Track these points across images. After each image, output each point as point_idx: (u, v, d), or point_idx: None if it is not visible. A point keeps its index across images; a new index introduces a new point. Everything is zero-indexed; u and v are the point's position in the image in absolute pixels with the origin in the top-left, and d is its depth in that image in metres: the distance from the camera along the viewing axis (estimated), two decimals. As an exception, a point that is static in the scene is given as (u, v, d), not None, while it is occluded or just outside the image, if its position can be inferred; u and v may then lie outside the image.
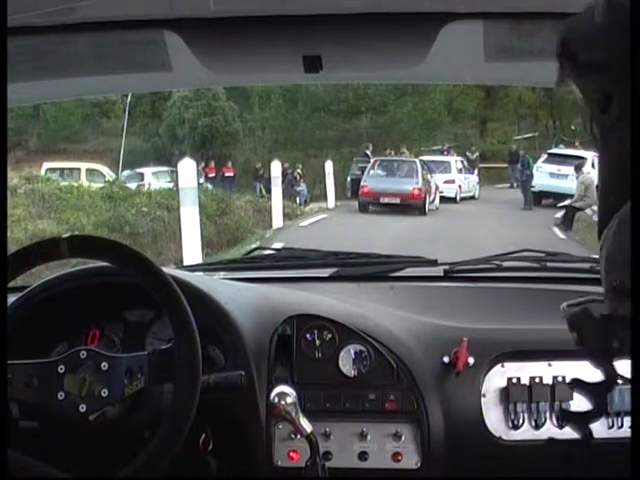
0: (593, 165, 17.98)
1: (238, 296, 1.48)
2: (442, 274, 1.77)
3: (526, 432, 1.40)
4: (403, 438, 1.37)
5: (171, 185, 14.77)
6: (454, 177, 19.72)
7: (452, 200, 18.66)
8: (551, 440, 1.35)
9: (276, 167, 14.52)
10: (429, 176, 17.77)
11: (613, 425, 1.40)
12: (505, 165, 23.80)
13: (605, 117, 0.60)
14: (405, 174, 17.14)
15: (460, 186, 19.69)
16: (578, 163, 15.23)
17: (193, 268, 1.94)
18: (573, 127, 28.73)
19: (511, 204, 17.54)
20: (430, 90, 25.61)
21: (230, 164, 22.37)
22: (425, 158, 20.36)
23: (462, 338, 1.38)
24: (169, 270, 1.36)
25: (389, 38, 1.11)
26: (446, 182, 19.14)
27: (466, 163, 21.08)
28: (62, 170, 18.96)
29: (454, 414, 1.39)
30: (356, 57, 1.22)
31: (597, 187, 0.65)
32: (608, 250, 0.60)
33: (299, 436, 1.27)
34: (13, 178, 12.95)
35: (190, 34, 1.08)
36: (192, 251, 7.89)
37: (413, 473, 1.36)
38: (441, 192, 18.40)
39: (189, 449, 1.22)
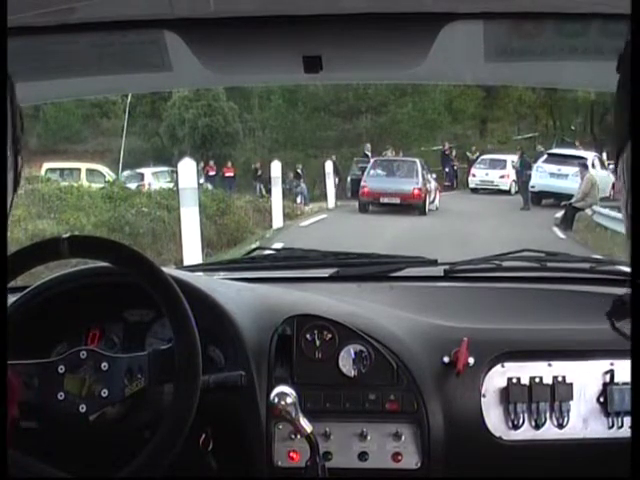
0: (593, 165, 18.04)
1: (238, 296, 1.48)
2: (442, 274, 1.77)
3: (526, 432, 1.40)
4: (403, 438, 1.37)
5: (171, 185, 14.76)
6: (508, 173, 21.37)
7: (506, 192, 20.80)
8: None
9: (276, 167, 14.51)
10: (429, 176, 17.80)
11: (613, 425, 1.40)
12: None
13: None
14: (405, 174, 17.13)
15: (514, 181, 20.93)
16: (582, 162, 15.27)
17: (193, 268, 1.94)
18: (573, 127, 28.76)
19: (511, 205, 17.59)
20: (430, 90, 25.62)
21: (230, 164, 22.39)
22: (485, 157, 22.64)
23: (462, 338, 1.38)
24: (169, 270, 1.36)
25: (389, 38, 1.11)
26: (501, 177, 21.60)
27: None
28: (62, 170, 18.95)
29: (454, 414, 1.38)
30: (356, 57, 1.22)
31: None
32: None
33: (299, 436, 1.27)
34: (13, 178, 12.93)
35: (190, 34, 1.08)
36: (192, 251, 7.88)
37: (413, 473, 1.36)
38: (496, 185, 21.30)
39: (189, 449, 1.22)
